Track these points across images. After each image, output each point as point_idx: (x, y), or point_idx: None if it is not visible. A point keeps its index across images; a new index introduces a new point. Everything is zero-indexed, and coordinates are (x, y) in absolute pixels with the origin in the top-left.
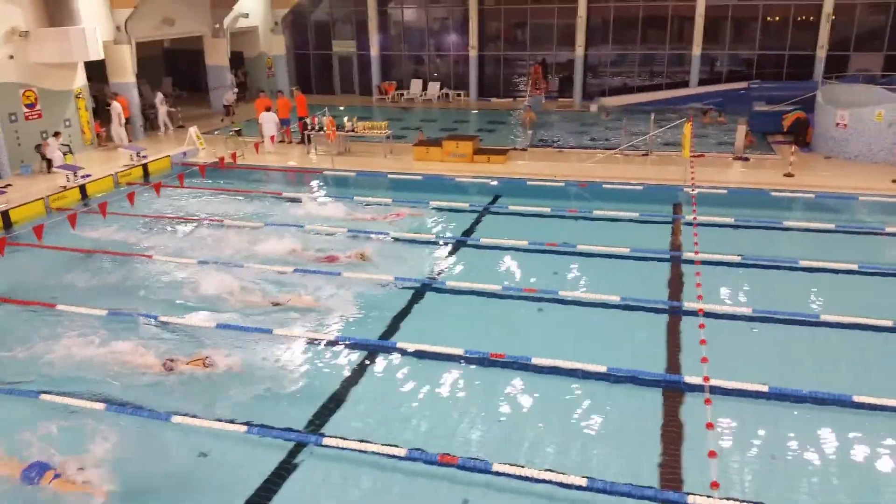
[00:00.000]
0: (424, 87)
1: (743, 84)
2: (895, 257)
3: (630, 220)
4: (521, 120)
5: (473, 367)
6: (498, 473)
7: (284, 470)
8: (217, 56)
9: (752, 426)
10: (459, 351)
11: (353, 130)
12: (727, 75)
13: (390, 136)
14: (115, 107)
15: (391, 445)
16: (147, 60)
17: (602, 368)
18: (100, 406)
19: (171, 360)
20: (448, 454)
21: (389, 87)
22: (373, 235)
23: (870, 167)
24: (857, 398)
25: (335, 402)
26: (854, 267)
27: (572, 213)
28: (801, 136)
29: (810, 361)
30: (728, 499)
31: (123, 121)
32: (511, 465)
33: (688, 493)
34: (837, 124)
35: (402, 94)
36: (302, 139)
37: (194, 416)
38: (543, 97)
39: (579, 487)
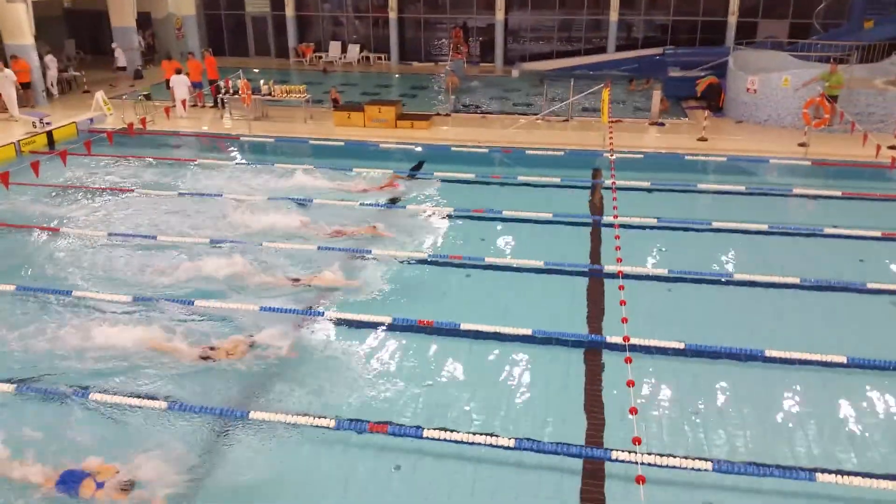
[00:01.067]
0: (344, 50)
1: (658, 50)
2: (803, 217)
3: (552, 186)
4: (443, 84)
5: (402, 333)
6: (429, 439)
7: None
8: (122, 16)
9: (671, 382)
10: (388, 318)
11: (269, 94)
12: (643, 41)
13: (309, 100)
14: (8, 74)
15: (321, 416)
16: (46, 21)
17: (527, 331)
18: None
19: (211, 349)
20: (379, 422)
21: (307, 49)
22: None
23: (778, 131)
24: (768, 352)
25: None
26: (765, 227)
27: (497, 179)
28: (713, 101)
29: (724, 319)
30: (650, 453)
31: (19, 86)
32: (441, 430)
33: (611, 450)
34: (748, 89)
35: (320, 57)
36: (215, 103)
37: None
38: (465, 61)
39: (507, 448)
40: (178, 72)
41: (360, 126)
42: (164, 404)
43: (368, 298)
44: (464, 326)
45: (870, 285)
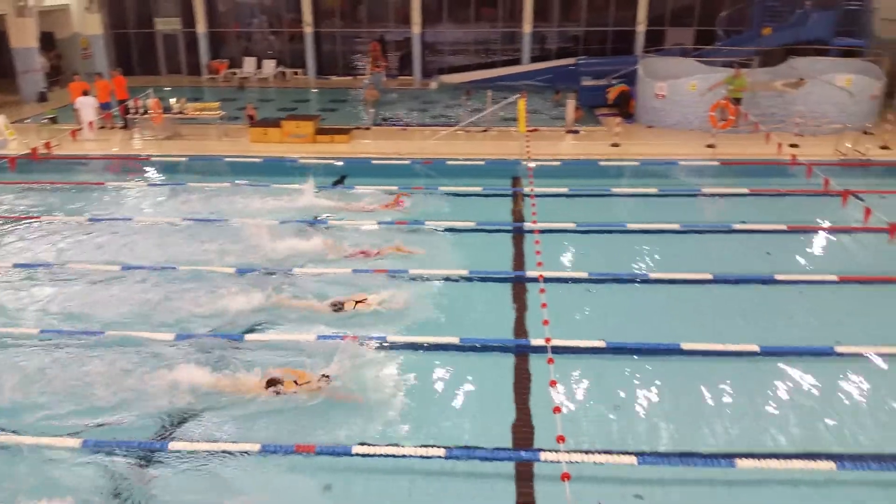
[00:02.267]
0: (259, 66)
1: (571, 60)
2: (713, 215)
3: (474, 195)
4: (363, 98)
5: (325, 350)
6: (359, 455)
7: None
8: (24, 37)
9: (593, 380)
10: (310, 337)
11: (181, 112)
12: (557, 52)
13: (224, 117)
14: None
15: (240, 441)
16: None
17: (455, 340)
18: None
19: (275, 382)
20: (304, 443)
21: (220, 65)
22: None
23: (687, 134)
24: (684, 346)
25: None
26: (677, 227)
27: (419, 190)
28: (625, 107)
29: (643, 316)
30: (573, 451)
31: None
32: (371, 445)
33: (539, 450)
34: (657, 95)
35: (234, 73)
36: (125, 124)
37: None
38: (384, 75)
39: (439, 457)
40: (86, 93)
41: (277, 142)
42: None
43: (291, 314)
44: (390, 339)
45: (777, 276)
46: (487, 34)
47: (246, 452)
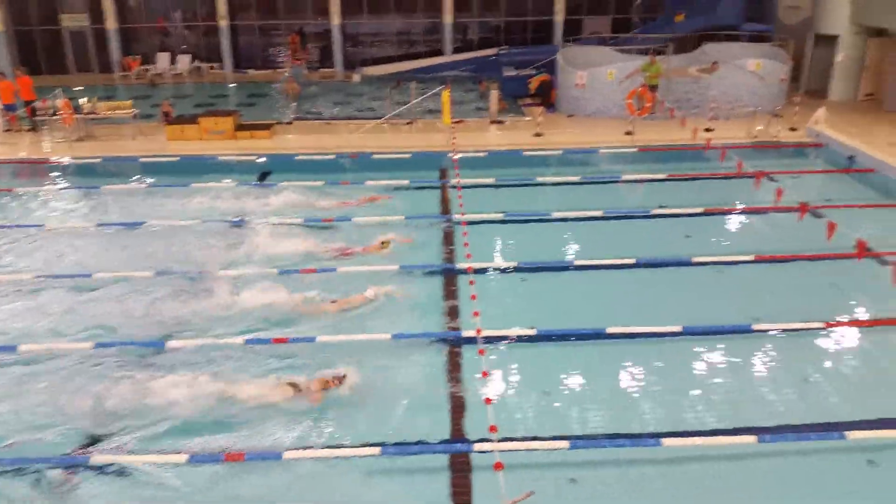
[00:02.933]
0: (173, 61)
1: (493, 51)
2: (634, 201)
3: (402, 188)
4: (283, 91)
5: (256, 347)
6: (291, 459)
7: None
8: None
9: (524, 368)
10: (239, 341)
11: (93, 112)
12: (479, 43)
13: (138, 115)
14: None
15: (169, 453)
16: None
17: (386, 336)
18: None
19: (294, 385)
20: (233, 451)
21: (133, 62)
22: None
23: (606, 122)
24: (609, 330)
25: None
26: (600, 213)
27: (345, 185)
28: (546, 97)
29: (570, 302)
30: (506, 439)
31: None
32: (301, 449)
33: (472, 441)
34: (577, 84)
35: (147, 70)
36: (33, 126)
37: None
38: (305, 67)
39: (374, 456)
40: None
41: (195, 139)
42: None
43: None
44: (320, 339)
45: (696, 259)
46: (408, 25)
47: (175, 464)
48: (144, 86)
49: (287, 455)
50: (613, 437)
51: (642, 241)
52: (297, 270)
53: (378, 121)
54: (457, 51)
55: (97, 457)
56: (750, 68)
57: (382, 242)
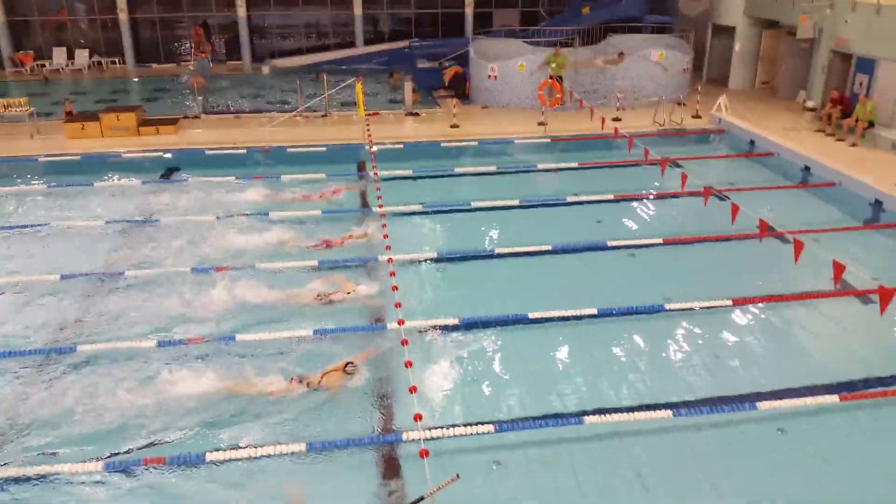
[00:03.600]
0: (71, 56)
1: (404, 43)
2: (548, 189)
3: (318, 182)
4: (189, 85)
5: (169, 349)
6: (214, 462)
7: None
8: None
9: (448, 356)
10: (151, 344)
11: None
12: (390, 35)
13: (34, 113)
14: None
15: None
16: None
17: (308, 332)
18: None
19: (299, 379)
20: (152, 456)
21: (26, 57)
22: None
23: (519, 113)
24: (531, 315)
25: None
26: (516, 202)
27: (259, 180)
28: (460, 89)
29: (491, 290)
30: (433, 427)
31: None
32: (225, 450)
33: (399, 432)
34: (489, 76)
35: (43, 66)
36: None
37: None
38: (210, 60)
39: (295, 454)
40: None
41: (97, 136)
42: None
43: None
44: (240, 338)
45: (609, 242)
46: (318, 17)
47: (90, 472)
48: (39, 82)
49: (211, 457)
50: (537, 419)
51: (558, 228)
52: (212, 270)
53: (291, 114)
54: (368, 43)
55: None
56: (653, 59)
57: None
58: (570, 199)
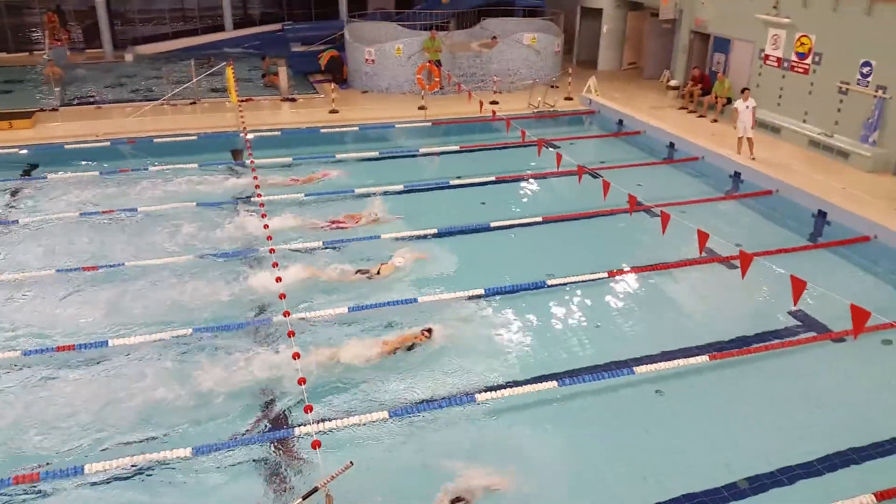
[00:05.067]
0: None
1: (277, 26)
2: (431, 174)
3: (191, 172)
4: (44, 75)
5: (32, 358)
6: (95, 473)
7: None
8: None
9: (335, 345)
10: (15, 355)
11: None
12: (262, 18)
13: None
14: None
15: None
16: None
17: (187, 331)
18: None
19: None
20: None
21: None
22: None
23: (399, 97)
24: (420, 299)
25: None
26: (400, 187)
27: (125, 173)
28: (338, 73)
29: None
30: (323, 420)
31: None
32: (106, 461)
33: (289, 426)
34: (367, 60)
35: None
36: None
37: None
38: (66, 48)
39: (186, 458)
40: None
41: None
42: None
43: None
44: (113, 343)
45: (493, 224)
46: (184, 0)
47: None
48: None
49: (90, 468)
50: (430, 401)
51: (442, 210)
52: (79, 268)
53: (156, 102)
54: (238, 26)
55: None
56: (526, 42)
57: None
58: (453, 182)
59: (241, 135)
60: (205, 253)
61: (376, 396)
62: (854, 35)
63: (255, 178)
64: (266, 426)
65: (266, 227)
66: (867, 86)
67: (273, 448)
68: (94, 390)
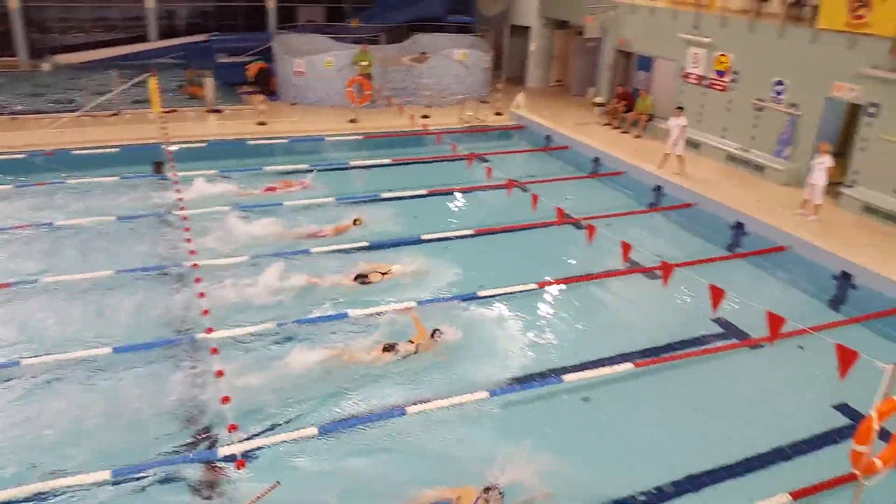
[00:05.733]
0: None
1: (204, 37)
2: (363, 186)
3: (111, 186)
4: None
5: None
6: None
7: None
8: None
9: (259, 362)
10: None
11: None
12: (187, 28)
13: None
14: None
15: None
16: None
17: (107, 351)
18: None
19: (390, 346)
20: None
21: None
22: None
23: (329, 110)
24: (351, 313)
25: None
26: (332, 200)
27: (42, 187)
28: (266, 85)
29: (310, 290)
30: (248, 438)
31: None
32: (15, 487)
33: (213, 445)
34: (296, 72)
35: None
36: None
37: None
38: None
39: (105, 482)
40: None
41: None
42: None
43: None
44: (26, 362)
45: (424, 237)
46: (106, 10)
47: None
48: None
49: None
50: (359, 417)
51: (375, 224)
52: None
53: (75, 114)
54: (164, 36)
55: None
56: (456, 58)
57: (356, 220)
58: (384, 195)
59: (165, 147)
60: (125, 268)
61: (305, 413)
62: (768, 54)
63: (178, 190)
64: (189, 447)
65: (189, 241)
66: (780, 103)
67: (196, 469)
68: (3, 412)
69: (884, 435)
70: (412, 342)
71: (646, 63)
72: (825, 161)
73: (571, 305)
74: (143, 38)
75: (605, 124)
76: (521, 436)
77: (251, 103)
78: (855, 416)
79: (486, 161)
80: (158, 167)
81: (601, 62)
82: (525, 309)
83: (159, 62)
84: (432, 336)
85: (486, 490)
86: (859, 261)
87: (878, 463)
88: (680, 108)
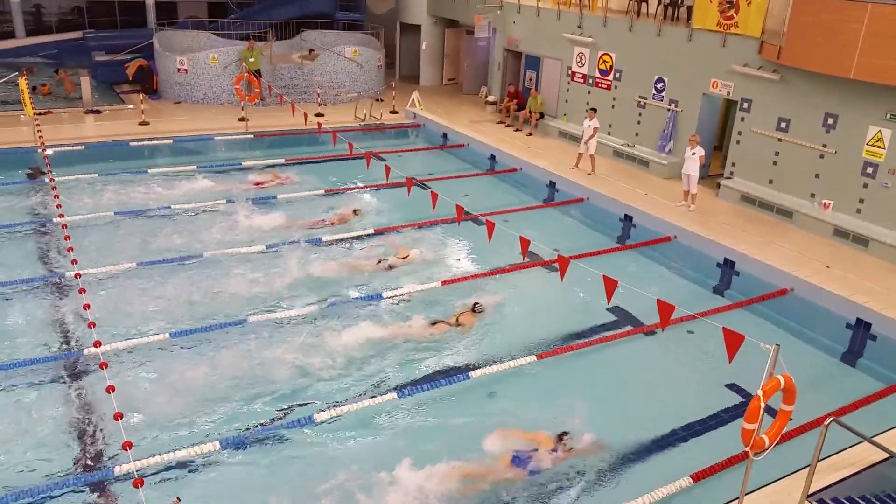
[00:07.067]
0: None
1: (78, 34)
2: (269, 192)
3: None
4: None
5: None
6: None
7: None
8: None
9: (153, 373)
10: None
11: None
12: (59, 25)
13: None
14: None
15: None
16: None
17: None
18: None
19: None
20: None
21: None
22: None
23: (217, 108)
24: (251, 318)
25: None
26: (223, 202)
27: None
28: (147, 83)
29: (204, 296)
30: (145, 457)
31: None
32: None
33: (106, 466)
34: (179, 70)
35: None
36: None
37: None
38: None
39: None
40: None
41: None
42: None
43: None
44: None
45: (324, 238)
46: None
47: None
48: None
49: None
50: (265, 427)
51: (277, 229)
52: None
53: None
54: (32, 34)
55: None
56: (348, 55)
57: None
58: (281, 197)
59: (40, 151)
60: (2, 281)
61: (204, 427)
62: (648, 54)
63: (56, 196)
64: (82, 467)
65: (70, 249)
66: (661, 100)
67: (91, 491)
68: None
69: (771, 412)
70: None
71: (534, 63)
72: (697, 151)
73: (474, 301)
74: (9, 35)
75: (499, 122)
76: (431, 435)
77: (132, 103)
78: (746, 395)
79: (384, 159)
80: (34, 172)
81: (491, 61)
82: (429, 307)
83: (28, 61)
84: (473, 310)
85: (560, 437)
86: (740, 248)
87: (766, 439)
88: (593, 109)
